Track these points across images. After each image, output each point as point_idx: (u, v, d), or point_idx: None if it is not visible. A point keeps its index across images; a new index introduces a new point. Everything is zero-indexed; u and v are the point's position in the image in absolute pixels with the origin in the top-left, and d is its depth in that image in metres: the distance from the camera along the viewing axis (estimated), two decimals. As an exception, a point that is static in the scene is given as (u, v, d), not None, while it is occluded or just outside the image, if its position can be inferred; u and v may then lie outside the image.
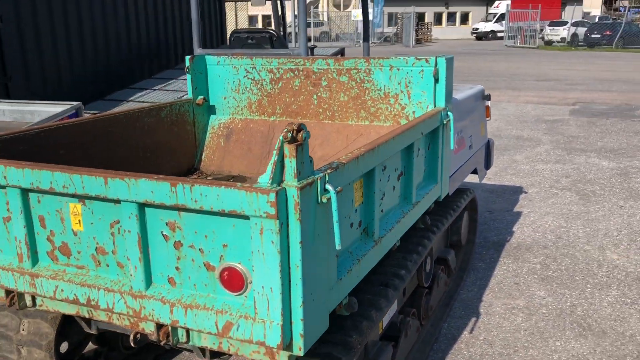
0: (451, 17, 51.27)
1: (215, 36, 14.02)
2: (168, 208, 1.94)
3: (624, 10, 69.65)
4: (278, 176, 1.79)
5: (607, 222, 5.51)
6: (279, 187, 1.76)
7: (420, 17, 46.31)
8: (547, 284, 4.27)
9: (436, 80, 3.38)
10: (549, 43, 36.33)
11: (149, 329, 2.14)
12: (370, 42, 31.95)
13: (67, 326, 2.84)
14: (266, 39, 4.80)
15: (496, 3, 48.24)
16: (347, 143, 3.74)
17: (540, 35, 36.62)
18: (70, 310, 2.33)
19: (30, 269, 2.26)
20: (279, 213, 1.75)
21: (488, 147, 4.92)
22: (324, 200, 1.90)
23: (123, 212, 2.00)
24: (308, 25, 50.02)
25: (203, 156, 4.07)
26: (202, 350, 2.43)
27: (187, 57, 3.93)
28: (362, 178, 2.36)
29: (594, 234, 5.20)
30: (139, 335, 2.37)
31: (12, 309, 2.78)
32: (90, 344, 3.09)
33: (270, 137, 3.97)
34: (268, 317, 1.85)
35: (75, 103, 6.44)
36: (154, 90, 10.25)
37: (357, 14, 38.03)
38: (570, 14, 44.41)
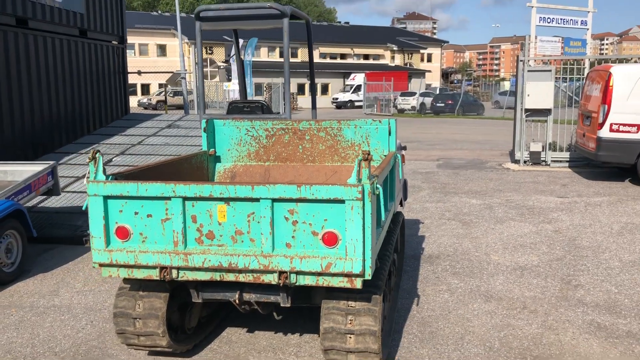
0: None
1: (120, 107, 15.01)
2: (292, 201, 3.39)
3: (458, 83, 78.88)
4: (358, 178, 3.35)
5: (485, 238, 7.53)
6: (361, 184, 3.32)
7: (286, 87, 49.55)
8: (457, 276, 6.07)
9: (389, 134, 5.13)
10: (401, 111, 40.86)
11: (269, 279, 3.52)
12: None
13: (170, 304, 4.05)
14: (258, 107, 6.23)
15: (352, 76, 53.07)
16: (326, 178, 5.33)
17: (394, 104, 41.11)
18: (205, 276, 3.63)
19: (184, 250, 3.56)
20: (362, 198, 3.30)
21: (405, 184, 6.75)
22: (376, 192, 3.48)
23: (260, 206, 3.42)
24: (177, 94, 50.85)
25: (214, 193, 5.42)
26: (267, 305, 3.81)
27: (203, 120, 5.34)
28: (377, 187, 3.96)
29: (479, 246, 7.17)
30: (237, 301, 3.73)
31: (130, 286, 3.97)
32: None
33: (266, 177, 5.44)
34: (354, 256, 3.35)
35: (51, 162, 7.43)
36: (81, 154, 11.11)
37: (228, 84, 40.22)
38: (415, 85, 50.05)
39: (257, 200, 3.43)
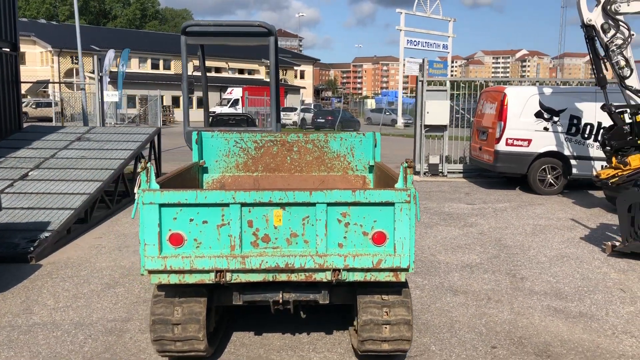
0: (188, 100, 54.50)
1: (14, 119, 14.07)
2: (346, 204, 3.74)
3: (328, 100, 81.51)
4: (405, 183, 3.78)
5: (424, 241, 8.25)
6: (408, 188, 3.75)
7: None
8: (419, 275, 6.67)
9: (375, 146, 5.61)
10: (283, 126, 41.59)
11: (320, 277, 3.82)
12: (114, 122, 32.04)
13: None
14: (243, 120, 6.31)
15: (229, 90, 53.03)
16: (314, 187, 5.67)
17: (275, 119, 41.83)
18: (258, 278, 3.84)
19: (240, 253, 3.75)
20: (409, 200, 3.74)
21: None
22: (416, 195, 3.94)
23: (316, 210, 3.72)
24: (39, 105, 47.53)
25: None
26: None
27: (194, 133, 5.47)
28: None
29: (422, 248, 7.86)
30: (280, 301, 3.99)
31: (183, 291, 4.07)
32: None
33: (255, 187, 5.67)
34: (402, 252, 3.77)
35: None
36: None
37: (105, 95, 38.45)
38: (291, 101, 51.27)
39: (314, 204, 3.73)
